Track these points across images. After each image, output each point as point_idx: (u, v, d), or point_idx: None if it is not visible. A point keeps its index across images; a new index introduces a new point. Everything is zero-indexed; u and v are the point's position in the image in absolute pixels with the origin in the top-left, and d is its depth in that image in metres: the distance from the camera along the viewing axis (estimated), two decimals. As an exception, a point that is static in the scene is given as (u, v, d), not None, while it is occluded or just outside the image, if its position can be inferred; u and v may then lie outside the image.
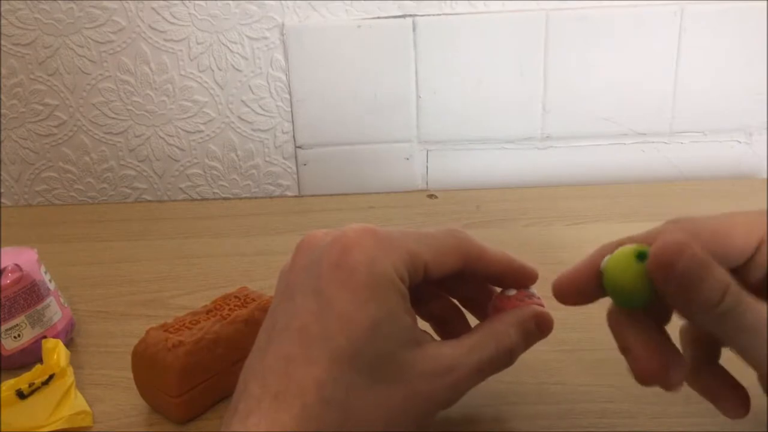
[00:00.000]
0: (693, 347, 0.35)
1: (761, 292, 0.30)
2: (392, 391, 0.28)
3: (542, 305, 0.35)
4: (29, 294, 0.46)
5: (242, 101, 0.77)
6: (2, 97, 0.77)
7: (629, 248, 0.29)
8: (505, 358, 0.32)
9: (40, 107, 0.78)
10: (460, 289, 0.37)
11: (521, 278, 0.35)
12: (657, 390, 0.30)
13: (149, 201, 0.82)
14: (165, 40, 0.74)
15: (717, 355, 0.34)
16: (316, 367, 0.26)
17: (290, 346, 0.27)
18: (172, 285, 0.57)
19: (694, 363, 0.34)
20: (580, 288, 0.31)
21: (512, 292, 0.34)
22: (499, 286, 0.36)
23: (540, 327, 0.33)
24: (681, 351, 0.33)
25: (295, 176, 0.80)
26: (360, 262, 0.28)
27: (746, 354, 0.28)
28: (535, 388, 0.41)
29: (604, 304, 0.32)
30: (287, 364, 0.27)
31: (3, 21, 0.74)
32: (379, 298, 0.28)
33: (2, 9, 0.74)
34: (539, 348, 0.35)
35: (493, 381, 0.43)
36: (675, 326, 0.33)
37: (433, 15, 0.73)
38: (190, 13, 0.73)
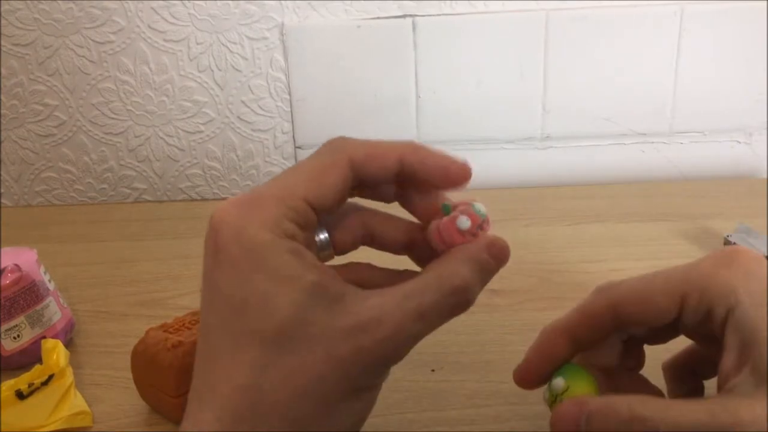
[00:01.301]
0: (676, 383, 0.36)
1: (698, 336, 0.33)
2: (303, 358, 0.25)
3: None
4: (29, 294, 0.46)
5: (242, 101, 0.77)
6: (2, 97, 0.77)
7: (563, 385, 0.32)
8: (457, 299, 0.28)
9: (40, 107, 0.78)
10: (408, 203, 0.33)
11: (440, 176, 0.30)
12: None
13: (149, 201, 0.82)
14: (165, 40, 0.74)
15: (701, 389, 0.35)
16: (223, 359, 0.25)
17: (201, 344, 0.27)
18: (172, 285, 0.57)
19: (679, 397, 0.35)
20: (538, 381, 0.34)
21: (464, 223, 0.29)
22: (419, 187, 0.31)
23: (496, 256, 0.29)
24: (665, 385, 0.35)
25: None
26: (229, 239, 0.26)
27: None
28: (535, 388, 0.41)
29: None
30: (203, 363, 0.27)
31: (3, 21, 0.74)
32: (260, 268, 0.25)
33: (2, 9, 0.74)
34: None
35: (493, 381, 0.43)
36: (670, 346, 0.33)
37: (433, 15, 0.73)
38: (189, 13, 0.73)
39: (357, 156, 0.29)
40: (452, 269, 0.28)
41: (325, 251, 0.31)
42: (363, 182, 0.29)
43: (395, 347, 0.27)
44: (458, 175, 0.29)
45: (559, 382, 0.32)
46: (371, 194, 0.32)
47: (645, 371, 0.35)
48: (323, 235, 0.31)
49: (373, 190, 0.31)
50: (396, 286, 0.27)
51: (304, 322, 0.25)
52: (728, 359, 0.28)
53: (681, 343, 0.34)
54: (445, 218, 0.30)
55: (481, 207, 0.30)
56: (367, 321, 0.26)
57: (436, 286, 0.27)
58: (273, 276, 0.25)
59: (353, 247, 0.32)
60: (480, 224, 0.29)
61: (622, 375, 0.34)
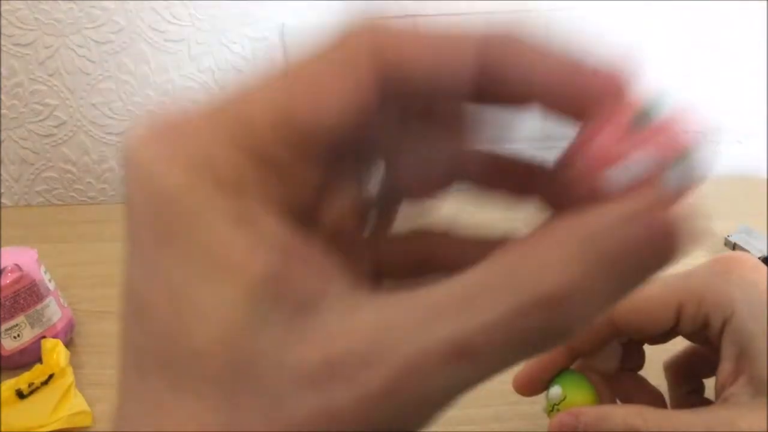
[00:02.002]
0: (677, 382, 0.36)
1: (696, 340, 0.33)
2: (242, 417, 0.13)
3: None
4: (29, 294, 0.46)
5: (242, 101, 0.77)
6: (2, 97, 0.77)
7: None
8: (549, 316, 0.13)
9: (40, 107, 0.78)
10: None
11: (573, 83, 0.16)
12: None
13: (149, 201, 0.82)
14: (165, 40, 0.74)
15: (701, 389, 0.35)
16: (136, 401, 0.14)
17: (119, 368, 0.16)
18: (172, 285, 0.57)
19: (680, 397, 0.35)
20: (538, 388, 0.34)
21: (634, 168, 0.14)
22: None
23: (665, 239, 0.14)
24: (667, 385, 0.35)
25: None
26: (135, 191, 0.14)
27: None
28: (535, 388, 0.40)
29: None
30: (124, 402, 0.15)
31: (3, 21, 0.74)
32: (172, 243, 0.13)
33: (2, 9, 0.74)
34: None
35: (493, 381, 0.43)
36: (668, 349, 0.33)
37: (433, 15, 0.73)
38: (190, 13, 0.73)
39: (390, 51, 0.15)
40: (544, 257, 0.14)
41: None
42: (404, 98, 0.15)
43: (401, 411, 0.13)
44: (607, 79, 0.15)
45: (556, 391, 0.32)
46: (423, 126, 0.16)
47: (645, 371, 0.35)
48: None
49: (426, 116, 0.16)
50: (422, 288, 0.14)
51: (242, 351, 0.13)
52: (725, 368, 0.29)
53: (682, 343, 0.34)
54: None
55: (688, 167, 0.15)
56: (343, 357, 0.13)
57: (507, 291, 0.13)
58: (192, 260, 0.13)
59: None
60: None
61: (622, 376, 0.34)
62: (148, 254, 0.14)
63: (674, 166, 0.14)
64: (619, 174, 0.14)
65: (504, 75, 0.15)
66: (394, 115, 0.15)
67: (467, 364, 0.13)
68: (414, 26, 0.16)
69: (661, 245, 0.14)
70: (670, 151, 0.14)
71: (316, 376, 0.13)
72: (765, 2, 0.72)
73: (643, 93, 0.15)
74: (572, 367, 0.34)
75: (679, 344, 0.34)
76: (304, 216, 0.14)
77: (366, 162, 0.16)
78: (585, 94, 0.15)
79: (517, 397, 0.40)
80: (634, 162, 0.14)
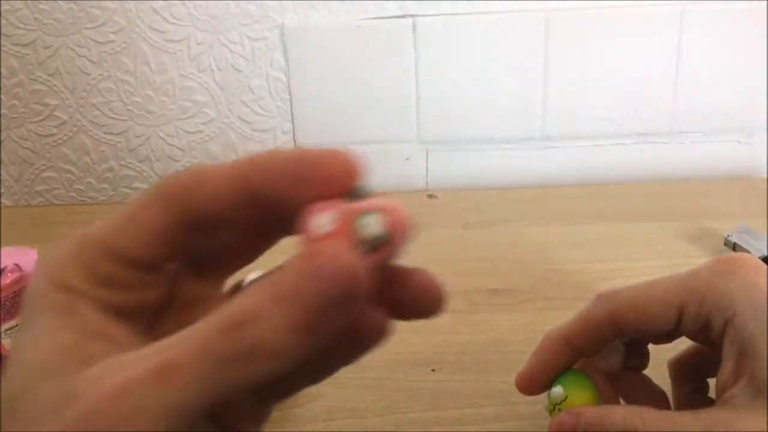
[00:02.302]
0: (681, 381, 0.36)
1: (699, 340, 0.33)
2: None
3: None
4: (29, 294, 0.46)
5: (242, 101, 0.77)
6: (2, 97, 0.77)
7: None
8: (238, 337, 0.17)
9: (40, 107, 0.78)
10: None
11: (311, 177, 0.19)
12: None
13: (149, 201, 0.82)
14: (165, 40, 0.74)
15: (705, 388, 0.35)
16: None
17: None
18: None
19: (683, 396, 0.35)
20: (540, 387, 0.34)
21: (325, 221, 0.18)
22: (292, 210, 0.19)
23: (334, 279, 0.17)
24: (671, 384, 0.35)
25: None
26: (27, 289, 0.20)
27: None
28: (535, 388, 0.40)
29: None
30: None
31: (3, 21, 0.74)
32: (24, 324, 0.19)
33: (2, 9, 0.74)
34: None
35: (493, 381, 0.43)
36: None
37: (433, 15, 0.73)
38: (190, 13, 0.73)
39: (176, 195, 0.20)
40: (244, 295, 0.17)
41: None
42: (198, 220, 0.20)
43: (121, 422, 0.16)
44: (336, 169, 0.18)
45: (558, 391, 0.32)
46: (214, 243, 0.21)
47: (648, 370, 0.35)
48: None
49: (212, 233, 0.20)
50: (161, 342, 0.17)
51: (18, 398, 0.18)
52: (725, 369, 0.29)
53: (686, 342, 0.34)
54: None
55: (373, 223, 0.17)
56: (77, 389, 0.17)
57: (209, 320, 0.17)
58: (30, 334, 0.19)
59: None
60: (359, 245, 0.17)
61: (626, 375, 0.34)
62: (19, 331, 0.20)
63: (358, 223, 0.17)
64: (315, 231, 0.17)
65: (265, 189, 0.19)
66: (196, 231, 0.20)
67: (173, 383, 0.16)
68: (198, 173, 0.20)
69: (325, 279, 0.16)
70: (355, 212, 0.17)
71: (58, 406, 0.17)
72: (765, 2, 0.72)
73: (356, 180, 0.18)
74: (575, 366, 0.34)
75: (683, 343, 0.34)
76: (128, 304, 0.20)
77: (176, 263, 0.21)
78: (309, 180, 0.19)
79: (517, 397, 0.40)
80: (323, 219, 0.17)
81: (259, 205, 0.19)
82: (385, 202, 0.18)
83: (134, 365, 0.17)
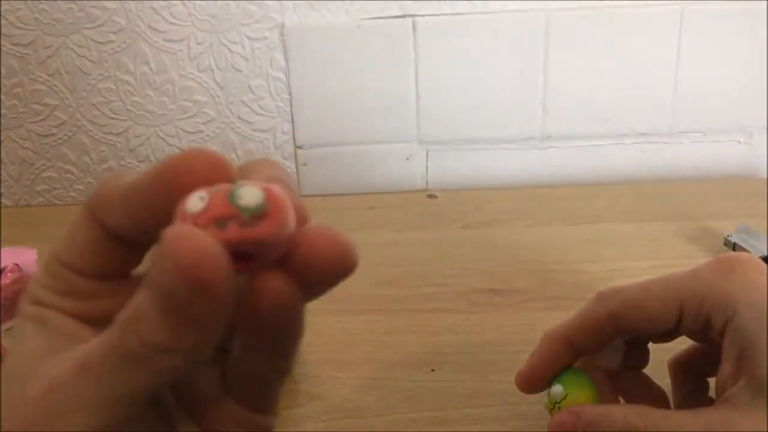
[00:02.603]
0: (681, 380, 0.36)
1: (699, 339, 0.33)
2: None
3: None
4: (29, 294, 0.46)
5: (242, 101, 0.77)
6: (2, 97, 0.77)
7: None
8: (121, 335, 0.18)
9: (40, 107, 0.78)
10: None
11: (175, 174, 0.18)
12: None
13: (149, 201, 0.82)
14: (165, 40, 0.74)
15: (705, 387, 0.35)
16: None
17: None
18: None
19: (684, 395, 0.35)
20: (540, 386, 0.34)
21: (195, 203, 0.17)
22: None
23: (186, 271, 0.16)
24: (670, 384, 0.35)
25: (294, 176, 0.80)
26: None
27: None
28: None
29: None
30: None
31: (3, 21, 0.74)
32: (13, 335, 0.22)
33: (2, 9, 0.74)
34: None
35: (493, 381, 0.43)
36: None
37: (433, 15, 0.73)
38: (190, 13, 0.73)
39: (97, 207, 0.21)
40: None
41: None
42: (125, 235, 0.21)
43: (56, 413, 0.18)
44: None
45: (557, 389, 0.32)
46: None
47: (648, 369, 0.35)
48: None
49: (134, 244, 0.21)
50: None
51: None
52: (725, 369, 0.29)
53: (687, 341, 0.34)
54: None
55: (248, 193, 0.16)
56: (26, 384, 0.19)
57: (116, 322, 0.18)
58: (14, 343, 0.21)
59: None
60: (236, 217, 0.16)
61: (626, 374, 0.34)
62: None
63: (233, 195, 0.16)
64: (185, 212, 0.16)
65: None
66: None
67: (92, 376, 0.18)
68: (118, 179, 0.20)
69: (175, 265, 0.15)
70: (228, 188, 0.16)
71: (13, 396, 0.19)
72: (765, 2, 0.72)
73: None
74: (575, 365, 0.34)
75: (683, 342, 0.34)
76: (95, 311, 0.21)
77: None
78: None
79: (517, 397, 0.40)
80: (195, 199, 0.16)
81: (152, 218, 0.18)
82: (261, 183, 0.17)
83: (62, 363, 0.18)
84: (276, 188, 0.17)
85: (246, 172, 0.19)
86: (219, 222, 0.16)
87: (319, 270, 0.17)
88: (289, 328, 0.18)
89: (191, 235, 0.15)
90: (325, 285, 0.18)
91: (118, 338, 0.17)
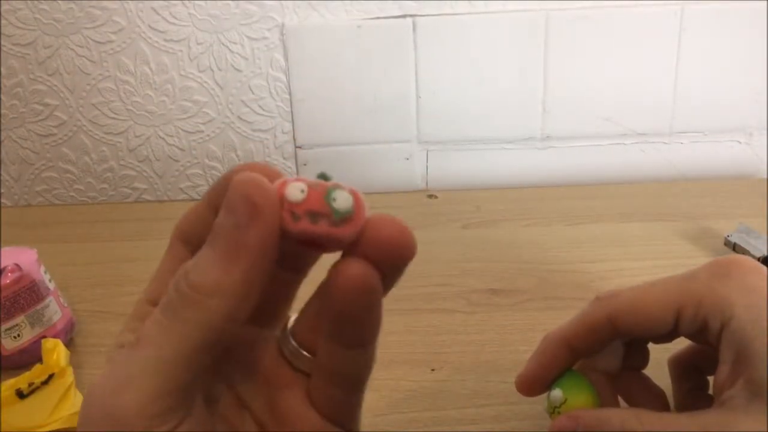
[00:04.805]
0: (681, 379, 0.36)
1: (697, 340, 0.33)
2: None
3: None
4: (29, 294, 0.46)
5: (242, 101, 0.77)
6: (2, 97, 0.77)
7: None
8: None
9: (40, 107, 0.78)
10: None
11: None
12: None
13: (149, 201, 0.82)
14: (165, 40, 0.74)
15: (705, 386, 0.35)
16: None
17: None
18: (172, 285, 0.57)
19: (684, 394, 0.35)
20: (540, 389, 0.34)
21: (296, 193, 0.19)
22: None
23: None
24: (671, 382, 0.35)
25: (295, 177, 0.80)
26: (97, 421, 0.20)
27: None
28: (535, 388, 0.41)
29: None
30: None
31: (3, 21, 0.74)
32: None
33: (2, 9, 0.74)
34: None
35: (493, 381, 0.43)
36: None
37: (433, 15, 0.73)
38: (190, 13, 0.73)
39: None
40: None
41: None
42: None
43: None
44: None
45: (557, 394, 0.32)
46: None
47: (648, 370, 0.35)
48: None
49: None
50: None
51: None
52: (723, 371, 0.29)
53: (686, 340, 0.34)
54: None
55: (341, 196, 0.19)
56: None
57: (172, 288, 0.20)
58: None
59: None
60: (328, 215, 0.19)
61: (626, 375, 0.34)
62: None
63: (328, 195, 0.19)
64: (291, 197, 0.19)
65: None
66: None
67: (147, 342, 0.19)
68: None
69: (231, 205, 0.18)
70: (325, 186, 0.19)
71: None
72: (765, 2, 0.72)
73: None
74: (574, 367, 0.34)
75: (683, 342, 0.34)
76: None
77: None
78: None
79: (517, 397, 0.40)
80: (296, 188, 0.19)
81: None
82: (348, 186, 0.19)
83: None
84: (361, 195, 0.19)
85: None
86: (312, 215, 0.18)
87: (387, 253, 0.19)
88: (369, 311, 0.19)
89: (256, 177, 0.18)
90: (392, 269, 0.19)
91: (171, 292, 0.19)
